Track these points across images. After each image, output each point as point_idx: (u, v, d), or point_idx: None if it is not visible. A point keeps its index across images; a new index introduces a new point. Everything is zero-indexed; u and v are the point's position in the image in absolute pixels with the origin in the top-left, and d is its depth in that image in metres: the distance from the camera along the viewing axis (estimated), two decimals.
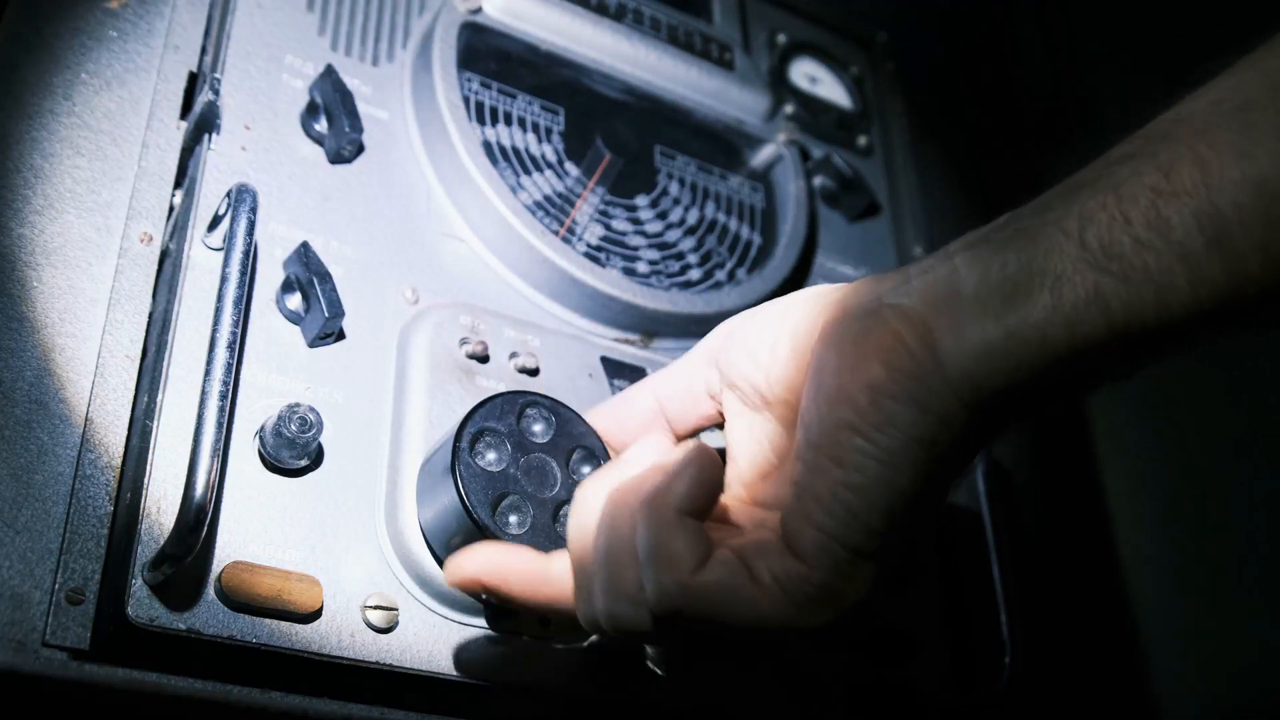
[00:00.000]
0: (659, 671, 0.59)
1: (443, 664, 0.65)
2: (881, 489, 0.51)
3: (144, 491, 0.60)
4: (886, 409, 0.51)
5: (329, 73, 0.75)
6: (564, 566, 0.59)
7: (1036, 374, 0.50)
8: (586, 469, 0.66)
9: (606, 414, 0.68)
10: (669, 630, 0.56)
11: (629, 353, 0.80)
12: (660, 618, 0.55)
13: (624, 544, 0.56)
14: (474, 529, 0.62)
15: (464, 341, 0.72)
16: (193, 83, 0.75)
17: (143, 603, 0.58)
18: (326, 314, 0.67)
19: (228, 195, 0.66)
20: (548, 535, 0.64)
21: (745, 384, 0.61)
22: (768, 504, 0.61)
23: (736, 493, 0.62)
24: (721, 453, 0.63)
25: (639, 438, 0.64)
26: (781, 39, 1.03)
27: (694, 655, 0.60)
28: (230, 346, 0.60)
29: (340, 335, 0.70)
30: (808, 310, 0.59)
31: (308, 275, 0.67)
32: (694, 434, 0.66)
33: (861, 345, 0.52)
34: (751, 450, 0.61)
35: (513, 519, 0.63)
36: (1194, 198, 0.46)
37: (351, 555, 0.65)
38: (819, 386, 0.54)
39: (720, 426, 0.65)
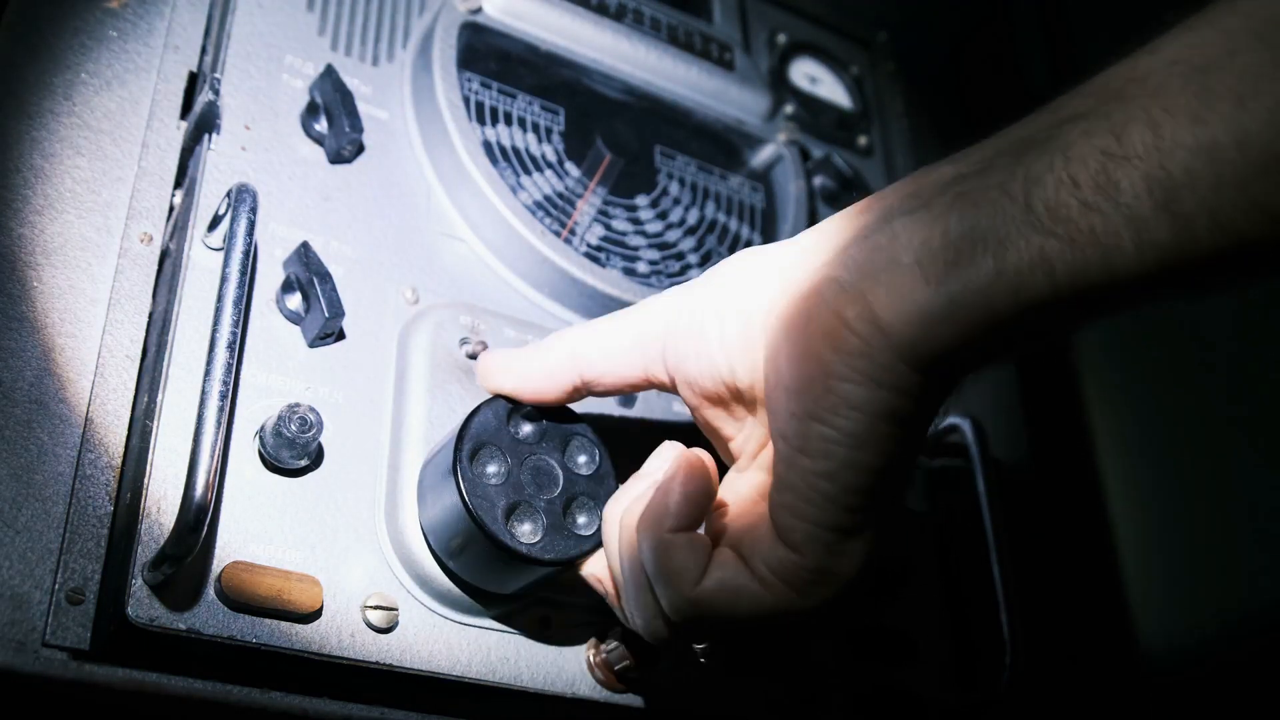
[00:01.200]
0: (704, 662, 0.63)
1: (443, 664, 0.65)
2: (853, 470, 0.52)
3: (144, 491, 0.60)
4: (842, 392, 0.51)
5: (329, 73, 0.75)
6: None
7: (983, 336, 0.50)
8: (583, 459, 0.66)
9: (520, 376, 0.66)
10: (695, 633, 0.58)
11: None
12: (683, 625, 0.57)
13: (639, 565, 0.58)
14: (482, 539, 0.62)
15: (464, 341, 0.72)
16: (193, 83, 0.75)
17: (143, 603, 0.58)
18: (326, 314, 0.66)
19: (228, 195, 0.66)
20: (563, 534, 0.64)
21: (707, 380, 0.60)
22: (753, 473, 0.62)
23: (736, 469, 0.63)
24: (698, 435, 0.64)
25: (550, 398, 0.65)
26: (781, 39, 1.03)
27: (727, 648, 0.62)
28: (230, 346, 0.60)
29: (340, 335, 0.70)
30: (746, 287, 0.58)
31: (308, 275, 0.67)
32: (615, 394, 0.67)
33: (807, 330, 0.52)
34: (741, 434, 0.61)
35: (525, 527, 0.63)
36: (1145, 161, 0.46)
37: (351, 555, 0.65)
38: (776, 377, 0.54)
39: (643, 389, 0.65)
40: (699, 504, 0.57)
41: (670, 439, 0.63)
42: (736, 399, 0.60)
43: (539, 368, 0.65)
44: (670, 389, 0.63)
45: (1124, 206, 0.46)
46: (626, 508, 0.60)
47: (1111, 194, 0.46)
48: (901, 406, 0.51)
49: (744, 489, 0.61)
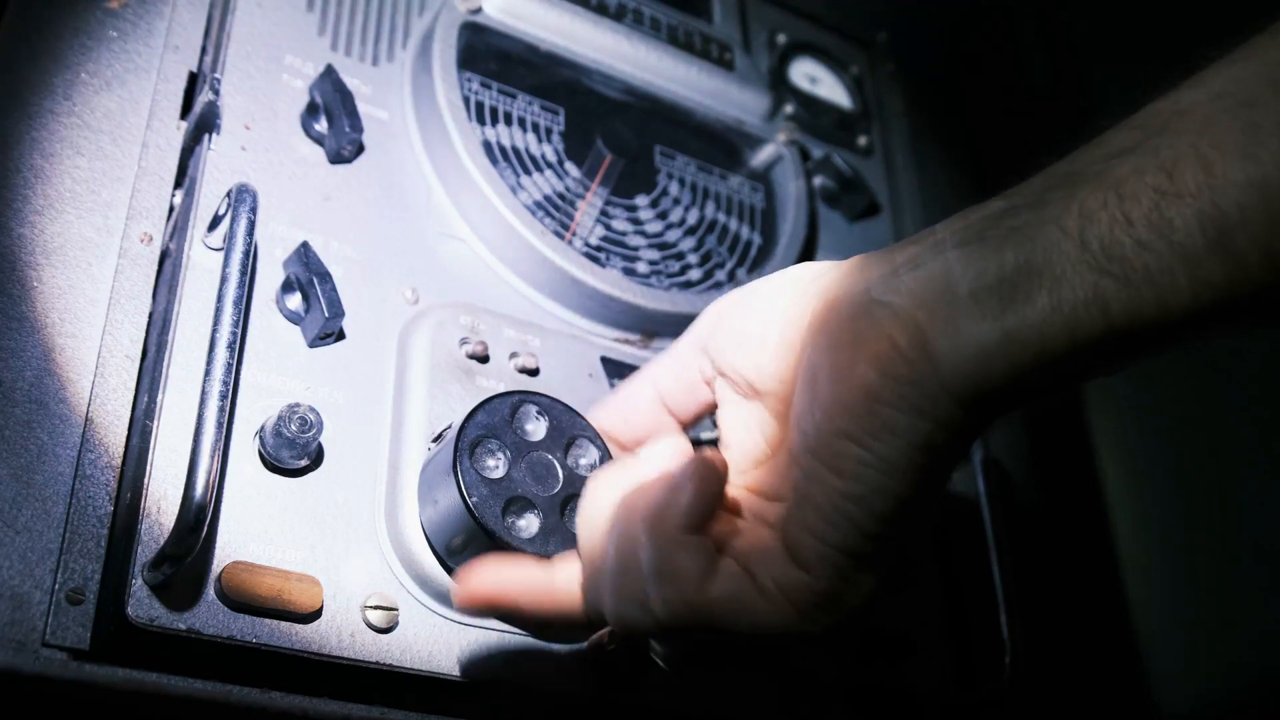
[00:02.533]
0: (664, 667, 0.60)
1: (443, 664, 0.65)
2: (881, 497, 0.51)
3: (144, 491, 0.60)
4: (884, 417, 0.51)
5: (329, 73, 0.75)
6: (567, 576, 0.59)
7: (1033, 373, 0.49)
8: (585, 459, 0.66)
9: (610, 412, 0.68)
10: (681, 637, 0.57)
11: (629, 353, 0.80)
12: (668, 628, 0.55)
13: (633, 553, 0.56)
14: (483, 536, 0.62)
15: (464, 341, 0.72)
16: (193, 83, 0.75)
17: (143, 603, 0.58)
18: (326, 314, 0.67)
19: (228, 195, 0.66)
20: (559, 533, 0.64)
21: (735, 374, 0.60)
22: (764, 491, 0.60)
23: (732, 479, 0.61)
24: (711, 441, 0.63)
25: (644, 432, 0.64)
26: (781, 39, 1.03)
27: (700, 658, 0.60)
28: (230, 346, 0.60)
29: (340, 335, 0.70)
30: (795, 297, 0.58)
31: (308, 275, 0.67)
32: (698, 420, 0.66)
33: (855, 351, 0.52)
34: (744, 438, 0.61)
35: (521, 523, 0.63)
36: (1197, 199, 0.46)
37: (351, 555, 0.65)
38: (814, 393, 0.53)
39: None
40: (711, 506, 0.56)
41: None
42: (754, 396, 0.60)
43: (625, 400, 0.66)
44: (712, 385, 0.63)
45: (1178, 245, 0.46)
46: (624, 494, 0.58)
47: (1165, 232, 0.46)
48: (940, 439, 0.51)
49: (743, 498, 0.60)
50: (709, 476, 0.56)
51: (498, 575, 0.59)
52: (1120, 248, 0.47)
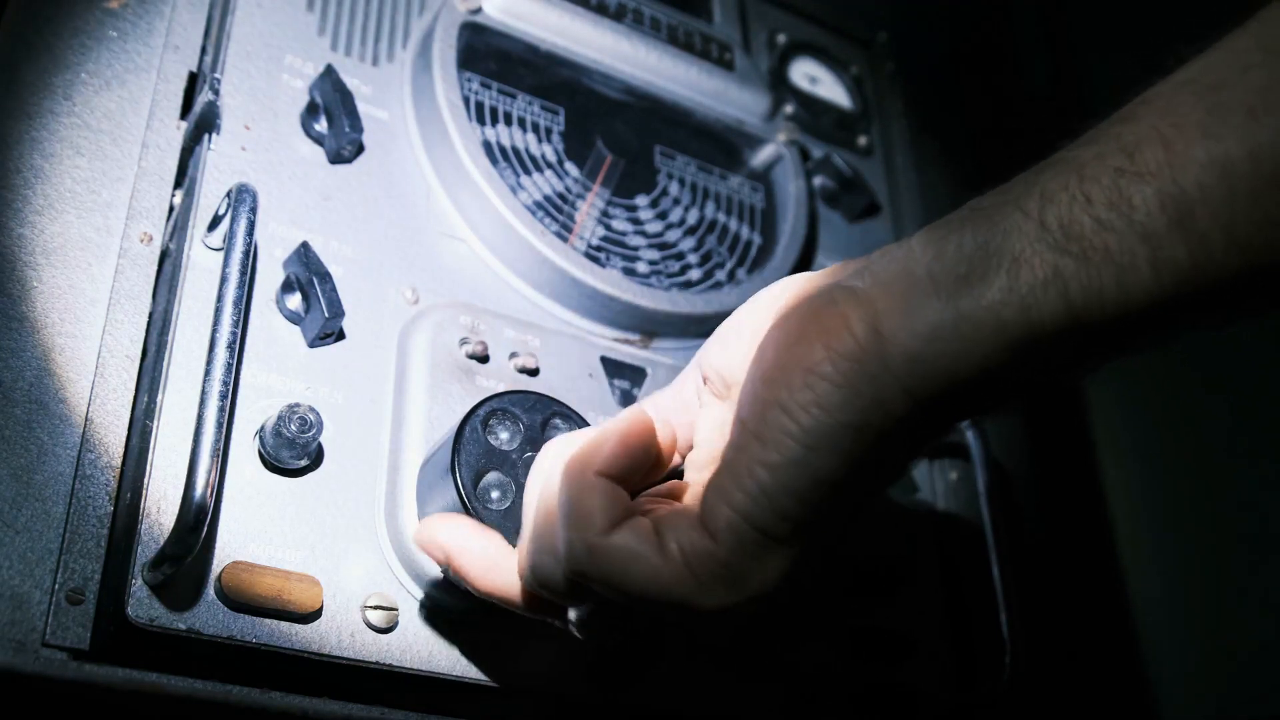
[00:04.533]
0: (577, 635, 0.59)
1: (443, 664, 0.65)
2: (798, 470, 0.49)
3: (144, 491, 0.60)
4: (818, 389, 0.49)
5: (329, 73, 0.75)
6: (514, 562, 0.59)
7: (987, 360, 0.48)
8: None
9: (627, 443, 0.62)
10: (578, 591, 0.55)
11: (629, 353, 0.80)
12: (569, 576, 0.54)
13: (551, 499, 0.56)
14: (455, 495, 0.62)
15: (464, 341, 0.72)
16: (193, 83, 0.75)
17: (143, 603, 0.58)
18: (326, 314, 0.67)
19: (228, 195, 0.66)
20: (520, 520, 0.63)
21: (713, 372, 0.60)
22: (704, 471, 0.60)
23: (693, 476, 0.61)
24: None
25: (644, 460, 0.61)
26: (781, 39, 1.03)
27: (604, 620, 0.58)
28: (230, 346, 0.60)
29: (340, 335, 0.70)
30: (774, 300, 0.58)
31: (308, 275, 0.67)
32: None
33: (806, 325, 0.51)
34: (710, 436, 0.60)
35: (494, 495, 0.63)
36: (1157, 177, 0.45)
37: (351, 555, 0.65)
38: (759, 365, 0.52)
39: None
40: (634, 456, 0.55)
41: None
42: (728, 392, 0.60)
43: (621, 419, 0.61)
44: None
45: (1138, 224, 0.46)
46: (561, 449, 0.58)
47: (1125, 210, 0.46)
48: (874, 423, 0.49)
49: (693, 492, 0.59)
50: (636, 431, 0.55)
51: (457, 535, 0.59)
52: (1079, 226, 0.47)
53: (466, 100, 0.81)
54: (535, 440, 0.65)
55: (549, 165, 0.83)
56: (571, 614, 0.58)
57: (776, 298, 0.59)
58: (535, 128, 0.84)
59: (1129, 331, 0.47)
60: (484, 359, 0.72)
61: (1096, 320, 0.47)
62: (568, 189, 0.83)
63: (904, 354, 0.49)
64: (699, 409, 0.62)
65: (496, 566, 0.59)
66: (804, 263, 0.91)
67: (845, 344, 0.50)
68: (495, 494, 0.63)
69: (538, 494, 0.58)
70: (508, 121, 0.83)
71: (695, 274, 0.85)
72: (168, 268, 0.69)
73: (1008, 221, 0.48)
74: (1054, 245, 0.47)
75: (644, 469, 0.56)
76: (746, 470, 0.51)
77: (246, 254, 0.63)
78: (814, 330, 0.51)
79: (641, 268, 0.83)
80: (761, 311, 0.58)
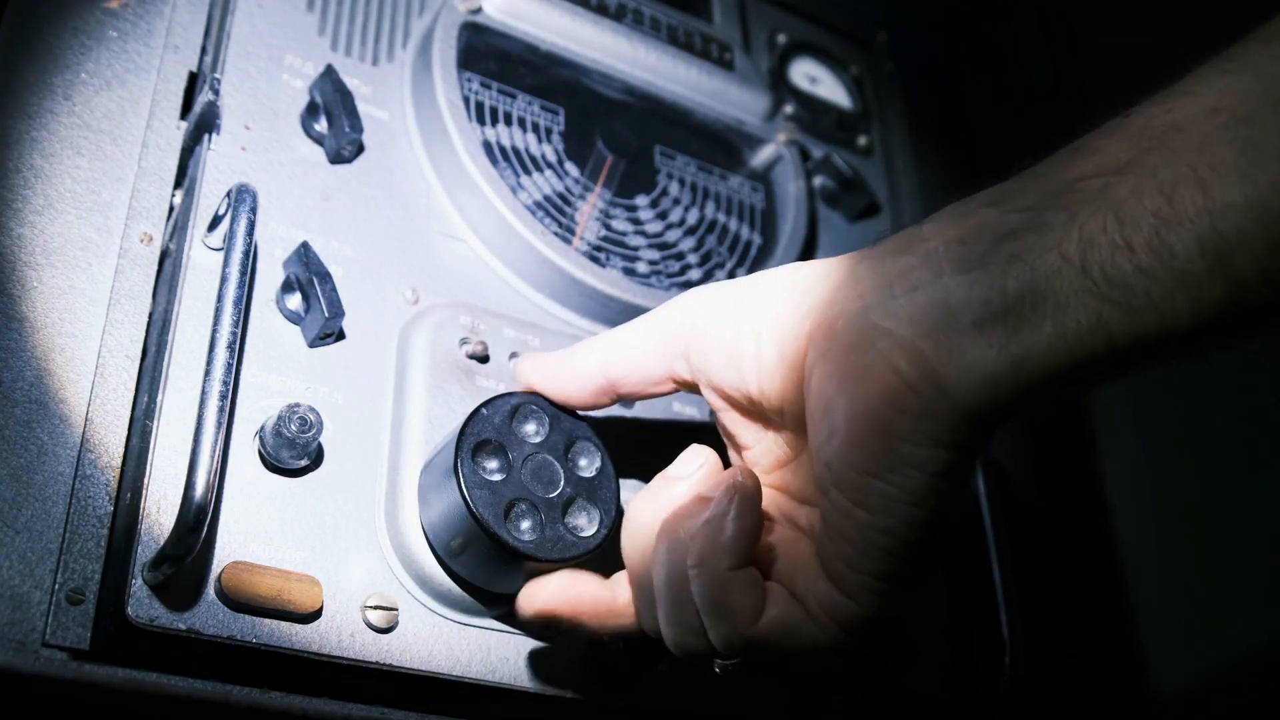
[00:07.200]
0: (719, 674, 0.62)
1: (443, 664, 0.65)
2: (910, 526, 0.53)
3: (144, 491, 0.60)
4: (904, 453, 0.52)
5: (329, 73, 0.75)
6: (628, 594, 0.62)
7: (1037, 395, 0.51)
8: (584, 461, 0.66)
9: (547, 375, 0.66)
10: (742, 663, 0.59)
11: None
12: (724, 653, 0.57)
13: (684, 588, 0.57)
14: (483, 538, 0.62)
15: (464, 341, 0.72)
16: (193, 83, 0.75)
17: (143, 603, 0.58)
18: (326, 314, 0.66)
19: (228, 195, 0.66)
20: (562, 535, 0.64)
21: (735, 392, 0.60)
22: (790, 492, 0.61)
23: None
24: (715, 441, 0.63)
25: (577, 401, 0.65)
26: (781, 39, 1.03)
27: (757, 670, 0.63)
28: (230, 346, 0.60)
29: (340, 335, 0.70)
30: (784, 311, 0.58)
31: (308, 275, 0.67)
32: (637, 400, 0.67)
33: (864, 386, 0.52)
34: (761, 446, 0.62)
35: (524, 525, 0.63)
36: (1196, 224, 0.46)
37: (351, 555, 0.65)
38: (830, 427, 0.54)
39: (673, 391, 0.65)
40: (754, 538, 0.57)
41: (672, 440, 0.63)
42: (758, 412, 0.60)
43: (568, 368, 0.65)
44: (693, 389, 0.63)
45: (1178, 271, 0.47)
46: (665, 520, 0.59)
47: (1166, 258, 0.47)
48: (958, 463, 0.52)
49: (771, 499, 0.61)
50: (748, 510, 0.56)
51: (567, 592, 0.61)
52: (1122, 274, 0.48)
53: (466, 100, 0.81)
54: (519, 446, 0.65)
55: (549, 165, 0.83)
56: (717, 664, 0.61)
57: (788, 313, 0.58)
58: (535, 128, 0.84)
59: (1163, 356, 0.49)
60: (484, 359, 0.72)
61: (1136, 354, 0.49)
62: (568, 189, 0.83)
63: (966, 401, 0.51)
64: (662, 386, 0.63)
65: (612, 608, 0.62)
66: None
67: (912, 403, 0.51)
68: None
69: (655, 575, 0.59)
70: (508, 121, 0.83)
71: (695, 274, 0.85)
72: (168, 268, 0.69)
73: (1049, 267, 0.49)
74: (1097, 293, 0.48)
75: (760, 538, 0.58)
76: (862, 538, 0.53)
77: (246, 254, 0.63)
78: (876, 391, 0.52)
79: (641, 268, 0.83)
80: (778, 329, 0.58)
